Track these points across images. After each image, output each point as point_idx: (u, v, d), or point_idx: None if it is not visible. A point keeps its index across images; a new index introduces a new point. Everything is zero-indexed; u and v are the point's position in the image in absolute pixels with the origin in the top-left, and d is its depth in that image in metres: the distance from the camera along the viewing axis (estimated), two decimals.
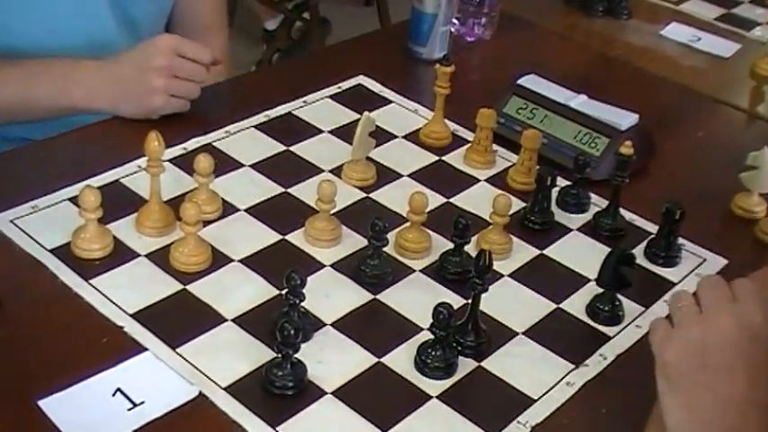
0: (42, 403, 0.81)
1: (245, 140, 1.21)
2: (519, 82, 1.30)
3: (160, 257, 0.99)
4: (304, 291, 0.88)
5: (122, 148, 1.14)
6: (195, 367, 0.87)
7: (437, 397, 0.88)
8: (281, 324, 0.85)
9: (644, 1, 1.78)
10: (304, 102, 1.30)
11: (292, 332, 0.84)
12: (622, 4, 1.70)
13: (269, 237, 1.05)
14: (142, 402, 0.83)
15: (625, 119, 1.23)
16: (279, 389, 0.86)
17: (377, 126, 1.17)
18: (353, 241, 1.05)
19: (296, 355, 0.86)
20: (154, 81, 1.17)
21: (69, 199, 1.05)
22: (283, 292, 0.89)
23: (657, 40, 1.66)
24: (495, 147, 1.23)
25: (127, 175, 1.11)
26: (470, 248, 1.03)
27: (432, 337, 0.90)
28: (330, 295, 0.98)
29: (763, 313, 0.76)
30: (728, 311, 0.76)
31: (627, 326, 0.99)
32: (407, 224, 1.05)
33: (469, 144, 1.23)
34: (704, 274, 0.95)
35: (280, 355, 0.86)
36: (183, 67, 1.19)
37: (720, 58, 1.61)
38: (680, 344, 0.77)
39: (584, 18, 1.70)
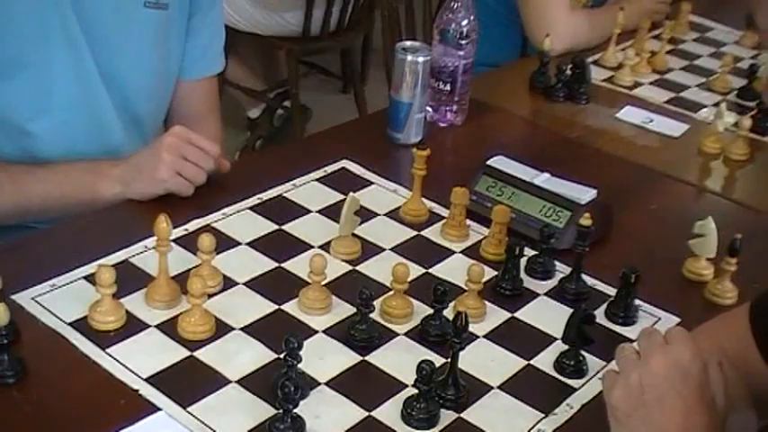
0: None
1: (241, 221, 1.31)
2: (488, 162, 1.41)
3: (169, 327, 1.09)
4: (300, 353, 0.98)
5: (130, 231, 1.24)
6: (205, 424, 0.96)
7: None
8: (282, 382, 0.94)
9: (600, 87, 1.88)
10: (293, 185, 1.41)
11: (292, 389, 0.94)
12: (581, 90, 1.80)
13: (266, 307, 1.15)
14: None
15: (585, 194, 1.35)
16: None
17: (361, 205, 1.28)
18: (343, 309, 1.15)
19: (295, 411, 0.95)
20: (162, 154, 1.29)
21: (84, 277, 1.15)
22: (281, 355, 0.99)
23: (614, 122, 1.76)
24: (468, 222, 1.33)
25: (135, 255, 1.21)
26: (449, 313, 1.12)
27: (416, 391, 1.00)
28: (324, 358, 1.07)
29: (691, 352, 0.87)
30: (661, 353, 0.88)
31: (591, 378, 1.09)
32: (391, 292, 1.15)
33: (445, 219, 1.34)
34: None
35: (281, 411, 0.95)
36: (192, 152, 1.30)
37: (671, 138, 1.72)
38: (622, 388, 0.88)
39: (547, 103, 1.80)
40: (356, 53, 3.48)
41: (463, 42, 1.57)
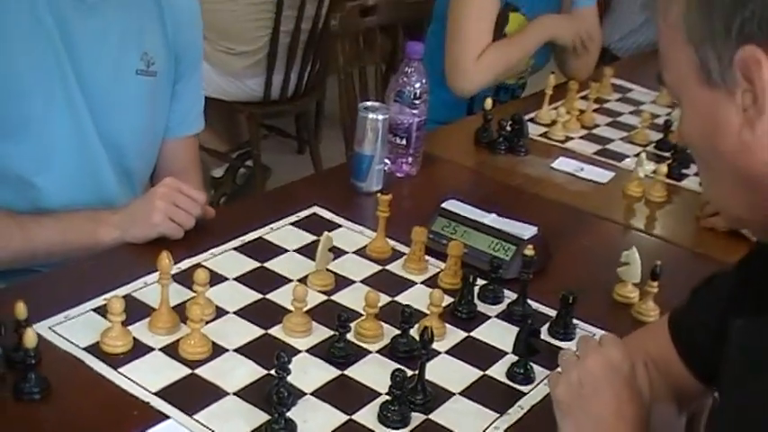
0: None
1: (227, 259, 1.43)
2: (443, 206, 1.54)
3: (171, 350, 1.20)
4: (289, 366, 1.10)
5: (130, 270, 1.35)
6: (209, 429, 1.07)
7: None
8: (277, 389, 1.07)
9: (537, 141, 2.03)
10: (270, 228, 1.54)
11: (286, 394, 1.06)
12: (520, 143, 1.94)
13: (255, 331, 1.27)
14: None
15: (527, 230, 1.49)
16: None
17: (332, 246, 1.41)
18: (322, 332, 1.27)
19: (288, 414, 1.08)
20: (156, 202, 1.41)
21: (93, 309, 1.26)
22: (272, 370, 1.11)
23: (549, 171, 1.91)
24: (426, 257, 1.47)
25: (136, 290, 1.31)
26: (414, 333, 1.26)
27: (389, 397, 1.13)
28: (308, 372, 1.19)
29: (621, 353, 1.02)
30: (596, 354, 1.02)
31: (538, 384, 1.22)
32: (364, 316, 1.28)
33: (406, 255, 1.47)
34: None
35: (276, 414, 1.07)
36: (182, 200, 1.42)
37: (599, 184, 1.87)
38: (564, 384, 1.02)
39: (491, 155, 1.94)
40: (311, 116, 3.63)
41: (417, 102, 1.72)
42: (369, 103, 1.69)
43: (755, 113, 0.83)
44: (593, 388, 1.01)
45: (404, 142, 1.75)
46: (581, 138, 2.10)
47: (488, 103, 1.98)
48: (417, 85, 1.72)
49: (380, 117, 1.65)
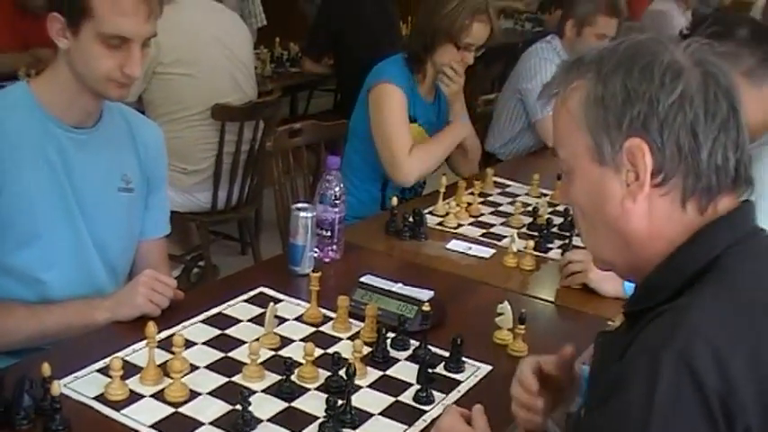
0: None
1: (195, 330, 1.69)
2: (361, 280, 1.83)
3: (159, 396, 1.45)
4: (250, 399, 1.37)
5: (121, 341, 1.61)
6: None
7: None
8: (243, 414, 1.33)
9: (434, 228, 2.32)
10: (228, 305, 1.80)
11: (250, 418, 1.33)
12: (420, 230, 2.23)
13: (221, 380, 1.52)
14: None
15: (425, 294, 1.78)
16: None
17: (276, 314, 1.69)
18: (272, 377, 1.53)
19: None
20: (138, 288, 1.68)
21: (96, 370, 1.51)
22: (237, 405, 1.38)
23: (444, 251, 2.20)
24: (350, 320, 1.76)
25: (127, 355, 1.57)
26: (342, 373, 1.52)
27: (325, 418, 1.40)
28: (263, 406, 1.45)
29: (449, 416, 1.26)
30: (447, 413, 1.29)
31: (436, 405, 1.50)
32: (304, 363, 1.56)
33: (334, 319, 1.76)
34: (477, 378, 1.51)
35: None
36: (158, 286, 1.69)
37: (484, 258, 2.18)
38: None
39: (398, 241, 2.22)
40: (251, 222, 3.92)
41: (337, 202, 2.03)
42: (300, 204, 1.99)
43: (637, 188, 1.01)
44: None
45: (329, 234, 2.04)
46: (469, 224, 2.39)
47: (394, 200, 2.31)
48: (337, 189, 2.03)
49: (309, 215, 1.95)
